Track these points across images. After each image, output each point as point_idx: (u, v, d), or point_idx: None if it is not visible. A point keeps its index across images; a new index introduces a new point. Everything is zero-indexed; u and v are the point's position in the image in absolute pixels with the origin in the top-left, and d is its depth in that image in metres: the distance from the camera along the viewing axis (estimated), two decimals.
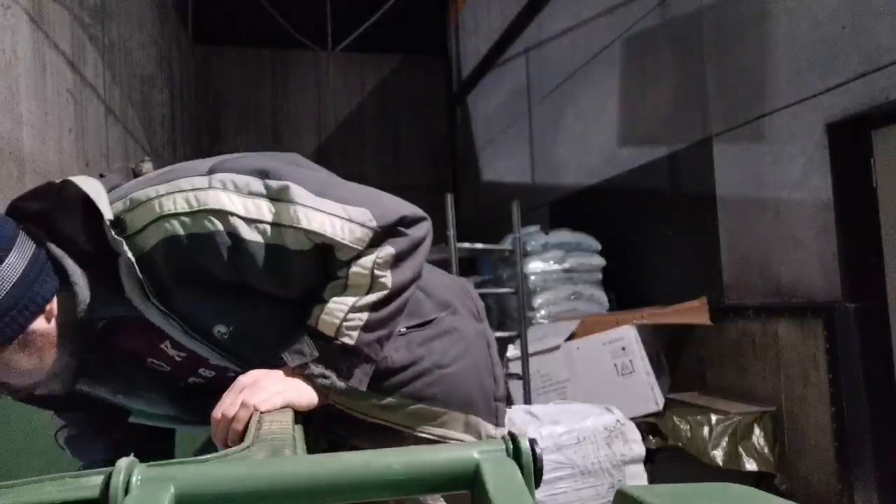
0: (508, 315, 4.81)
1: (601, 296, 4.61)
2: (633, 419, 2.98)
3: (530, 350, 3.97)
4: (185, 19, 7.88)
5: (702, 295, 3.66)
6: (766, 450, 3.10)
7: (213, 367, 1.12)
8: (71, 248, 0.97)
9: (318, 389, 1.00)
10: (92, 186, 0.98)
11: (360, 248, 1.00)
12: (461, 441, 1.19)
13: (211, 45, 8.65)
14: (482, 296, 5.03)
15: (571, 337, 3.92)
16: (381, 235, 1.02)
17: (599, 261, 4.67)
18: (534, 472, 0.56)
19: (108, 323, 1.05)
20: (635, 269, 4.58)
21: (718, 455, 3.07)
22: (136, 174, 1.07)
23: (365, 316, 1.01)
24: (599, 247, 4.71)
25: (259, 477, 0.55)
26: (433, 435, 1.17)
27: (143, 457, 0.56)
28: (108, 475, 0.51)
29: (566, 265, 4.57)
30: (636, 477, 2.78)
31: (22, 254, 0.93)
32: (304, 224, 0.97)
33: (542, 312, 4.51)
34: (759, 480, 3.10)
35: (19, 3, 2.85)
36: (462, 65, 8.85)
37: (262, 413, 0.92)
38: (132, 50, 5.01)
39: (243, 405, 0.93)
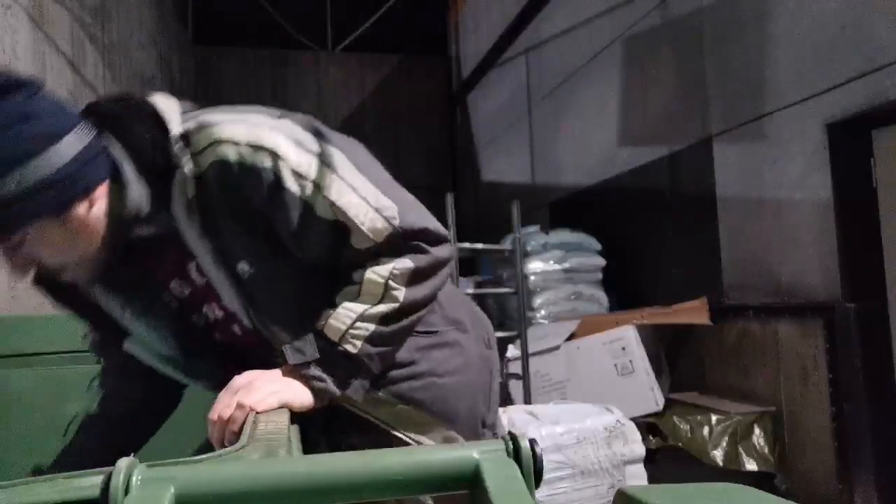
0: (508, 315, 4.81)
1: (601, 296, 4.61)
2: (633, 419, 2.98)
3: (530, 350, 3.97)
4: (185, 19, 7.88)
5: (702, 295, 3.66)
6: (766, 450, 3.10)
7: (222, 308, 1.13)
8: (132, 153, 1.01)
9: (314, 392, 1.00)
10: (166, 103, 1.04)
11: (374, 240, 1.01)
12: None
13: (211, 45, 8.65)
14: (482, 296, 4.98)
15: (571, 337, 3.92)
16: (399, 239, 1.02)
17: (599, 261, 4.66)
18: (534, 473, 0.56)
19: (140, 239, 1.08)
20: (635, 269, 4.58)
21: (718, 455, 3.07)
22: None
23: (372, 327, 1.01)
24: (599, 247, 4.71)
25: (262, 477, 0.55)
26: (409, 439, 1.14)
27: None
28: (107, 475, 0.51)
29: (566, 265, 4.56)
30: (636, 477, 2.78)
31: (80, 138, 0.96)
32: (335, 196, 1.00)
33: (542, 312, 4.51)
34: (759, 480, 3.10)
35: (19, 4, 2.85)
36: (462, 65, 8.85)
37: (257, 413, 0.92)
38: (132, 50, 5.01)
39: (239, 406, 0.93)
